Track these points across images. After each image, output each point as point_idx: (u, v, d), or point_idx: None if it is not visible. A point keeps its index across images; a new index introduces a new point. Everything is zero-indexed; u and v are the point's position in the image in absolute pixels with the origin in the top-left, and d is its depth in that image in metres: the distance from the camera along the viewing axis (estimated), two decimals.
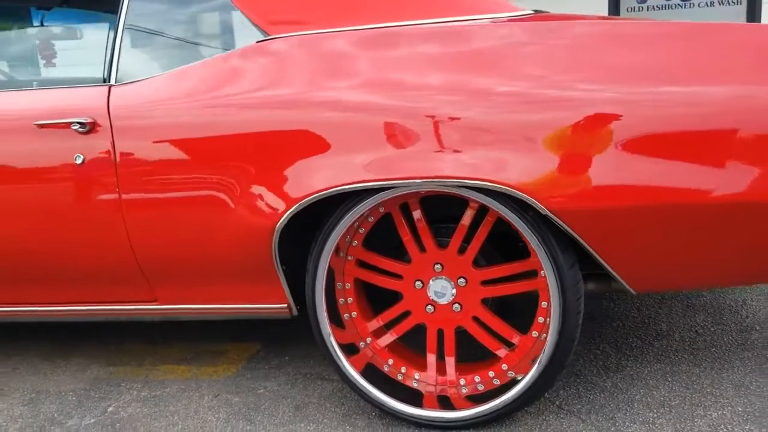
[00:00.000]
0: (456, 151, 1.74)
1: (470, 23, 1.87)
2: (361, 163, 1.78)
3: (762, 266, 1.76)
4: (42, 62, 2.35)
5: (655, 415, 1.93)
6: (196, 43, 2.16)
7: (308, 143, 1.84)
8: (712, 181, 1.63)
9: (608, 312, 2.65)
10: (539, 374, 1.85)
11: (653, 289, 1.92)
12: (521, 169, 1.71)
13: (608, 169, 1.67)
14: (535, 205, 1.71)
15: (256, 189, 1.90)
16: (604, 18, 2.28)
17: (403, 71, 1.81)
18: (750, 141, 1.62)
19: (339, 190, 1.80)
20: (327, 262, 1.93)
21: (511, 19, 1.91)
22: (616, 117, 1.66)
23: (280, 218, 1.87)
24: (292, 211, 1.85)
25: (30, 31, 2.42)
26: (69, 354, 2.70)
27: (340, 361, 2.02)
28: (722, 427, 1.86)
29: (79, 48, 2.23)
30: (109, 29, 2.13)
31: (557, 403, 2.05)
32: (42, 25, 2.33)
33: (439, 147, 1.75)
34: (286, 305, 2.06)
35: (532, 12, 2.10)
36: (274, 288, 2.02)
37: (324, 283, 1.96)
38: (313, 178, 1.83)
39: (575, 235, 1.73)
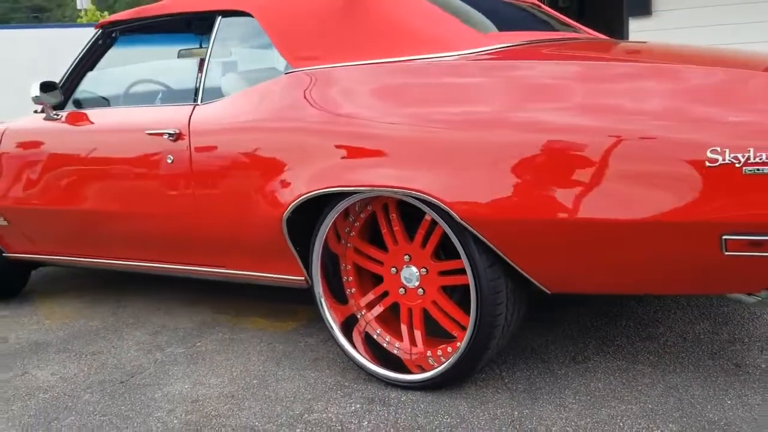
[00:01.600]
0: (392, 165, 2.19)
1: (425, 61, 2.29)
2: (324, 173, 2.31)
3: (639, 278, 1.98)
4: (163, 84, 3.17)
5: (573, 401, 2.22)
6: (251, 74, 2.81)
7: (301, 155, 2.41)
8: (589, 203, 1.91)
9: (625, 312, 2.86)
10: (463, 353, 2.24)
11: (564, 290, 2.19)
12: (442, 182, 2.11)
13: (510, 186, 2.01)
14: (451, 214, 2.10)
15: (271, 188, 2.51)
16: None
17: (365, 100, 2.30)
18: (622, 170, 1.87)
19: (314, 194, 2.35)
20: (321, 246, 2.49)
21: (463, 57, 2.28)
22: (517, 145, 2.00)
23: (284, 212, 2.46)
24: (291, 207, 2.43)
25: (146, 59, 3.28)
26: (198, 303, 3.54)
27: (325, 316, 2.55)
28: (620, 419, 2.10)
29: (189, 73, 2.98)
30: (202, 61, 2.86)
31: (506, 379, 2.41)
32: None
33: (378, 161, 2.21)
34: (302, 278, 2.65)
35: (503, 47, 2.40)
36: (292, 264, 2.62)
37: (320, 260, 2.51)
38: (301, 184, 2.40)
39: (484, 239, 2.10)
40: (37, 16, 51.16)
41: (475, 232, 2.10)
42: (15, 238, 3.56)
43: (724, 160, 1.73)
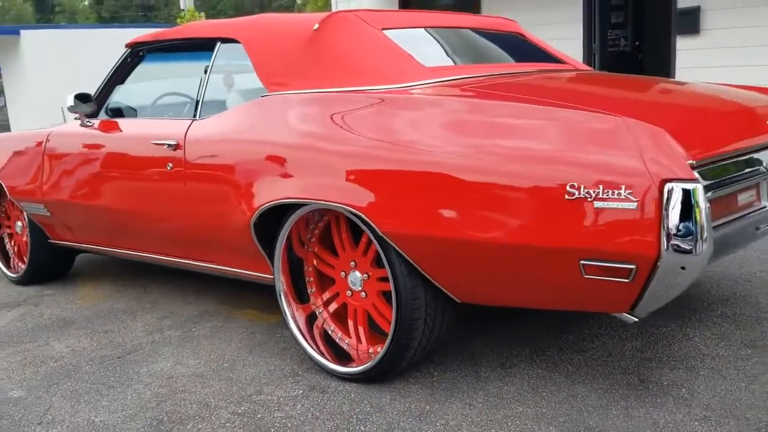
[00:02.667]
0: (332, 182, 2.51)
1: (359, 92, 2.59)
2: (280, 186, 2.65)
3: (521, 293, 2.23)
4: (175, 99, 3.59)
5: (481, 401, 2.47)
6: (240, 94, 3.19)
7: (266, 169, 2.76)
8: (471, 225, 2.17)
9: (572, 327, 3.06)
10: (386, 352, 2.54)
11: (469, 300, 2.44)
12: (368, 200, 2.42)
13: (417, 207, 2.30)
14: (373, 227, 2.41)
15: (242, 196, 2.87)
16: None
17: (312, 125, 2.63)
18: (498, 199, 2.13)
19: (273, 204, 2.70)
20: (281, 249, 2.84)
21: (392, 90, 2.58)
22: (418, 174, 2.28)
23: (251, 217, 2.82)
24: (256, 214, 2.78)
25: (164, 76, 3.71)
26: (208, 293, 3.95)
27: (283, 308, 2.89)
28: (511, 420, 2.34)
29: (194, 90, 3.37)
30: (201, 82, 3.26)
31: (434, 378, 2.68)
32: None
33: (321, 178, 2.54)
34: (272, 276, 3.00)
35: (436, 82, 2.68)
36: (263, 264, 2.98)
37: (281, 262, 2.86)
38: (264, 195, 2.75)
39: (400, 251, 2.39)
40: (146, 14, 54.03)
41: (393, 244, 2.39)
42: (56, 227, 4.09)
43: (579, 194, 1.96)
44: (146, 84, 3.72)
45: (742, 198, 2.16)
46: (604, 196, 1.93)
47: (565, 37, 8.07)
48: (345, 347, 2.84)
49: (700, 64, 7.27)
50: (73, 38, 20.29)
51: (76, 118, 3.84)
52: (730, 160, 2.13)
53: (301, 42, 2.89)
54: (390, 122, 2.44)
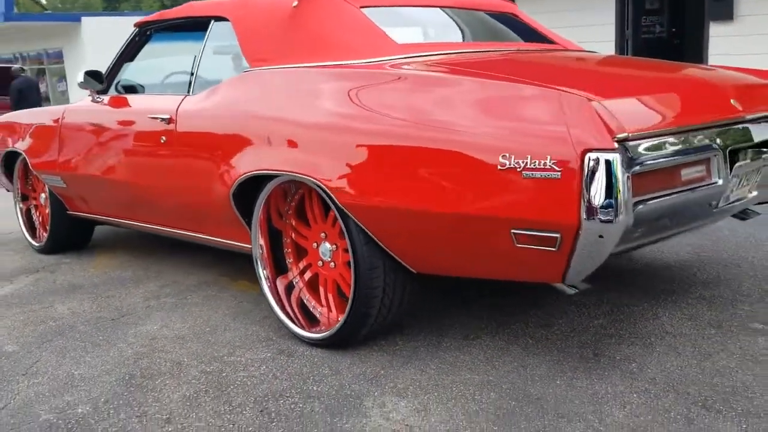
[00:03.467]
0: (297, 154, 2.61)
1: (332, 66, 2.68)
2: (253, 158, 2.76)
3: (463, 263, 2.29)
4: (174, 75, 3.73)
5: (434, 368, 2.54)
6: (228, 70, 3.30)
7: (244, 141, 2.88)
8: (414, 195, 2.24)
9: (546, 302, 3.10)
10: (346, 320, 2.63)
11: (425, 271, 2.51)
12: (329, 172, 2.51)
13: (371, 179, 2.38)
14: (333, 198, 2.50)
15: (224, 167, 2.99)
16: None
17: (286, 98, 2.73)
18: (438, 171, 2.19)
19: (248, 176, 2.81)
20: (257, 219, 2.95)
21: (362, 65, 2.65)
22: (372, 146, 2.36)
23: (231, 188, 2.94)
24: (235, 185, 2.90)
25: (167, 53, 3.86)
26: (213, 266, 4.08)
27: (259, 273, 3.01)
28: (457, 385, 2.41)
29: (189, 67, 3.50)
30: (195, 59, 3.39)
31: (398, 346, 2.76)
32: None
33: (287, 150, 2.64)
34: (250, 245, 3.12)
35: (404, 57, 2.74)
36: (245, 234, 3.10)
37: (259, 231, 2.97)
38: (242, 166, 2.87)
39: (356, 221, 2.47)
40: None
41: (350, 214, 2.48)
42: (73, 199, 4.30)
43: (510, 164, 2.01)
44: (152, 61, 3.88)
45: (687, 173, 2.16)
46: (532, 165, 1.97)
47: (598, 23, 7.99)
48: (318, 315, 2.94)
49: (733, 50, 7.11)
50: (131, 25, 20.90)
51: (88, 95, 4.04)
52: (673, 136, 2.14)
53: (282, 19, 2.99)
54: (348, 95, 2.52)
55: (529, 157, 1.98)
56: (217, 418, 2.30)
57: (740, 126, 2.42)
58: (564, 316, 2.96)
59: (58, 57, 22.85)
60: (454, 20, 3.30)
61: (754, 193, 2.63)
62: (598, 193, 1.87)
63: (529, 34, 3.49)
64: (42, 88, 24.49)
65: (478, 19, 3.43)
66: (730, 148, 2.33)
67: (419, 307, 3.12)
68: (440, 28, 3.24)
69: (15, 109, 13.07)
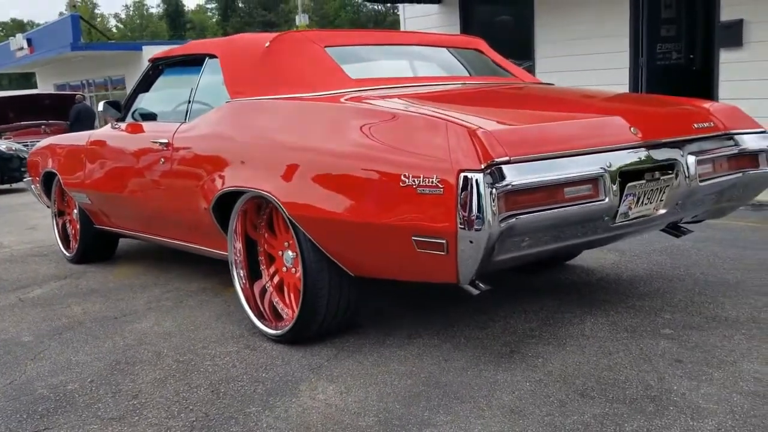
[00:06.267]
0: (254, 172, 3.04)
1: (292, 99, 3.11)
2: (226, 177, 3.21)
3: (383, 266, 2.66)
4: (178, 105, 4.23)
5: (370, 362, 2.91)
6: (215, 101, 3.77)
7: (222, 163, 3.33)
8: (336, 206, 2.65)
9: (505, 309, 3.43)
10: (298, 317, 3.03)
11: (359, 273, 2.89)
12: (281, 188, 2.94)
13: (309, 193, 2.80)
14: (283, 210, 2.92)
15: (206, 186, 3.45)
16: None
17: (252, 125, 3.18)
18: (355, 185, 2.60)
19: (222, 192, 3.26)
20: (233, 227, 3.38)
21: (315, 98, 3.08)
22: (306, 165, 2.78)
23: (210, 203, 3.39)
24: (213, 200, 3.35)
25: (173, 85, 4.37)
26: (216, 274, 4.56)
27: (233, 275, 3.43)
28: (376, 375, 2.77)
29: (188, 97, 4.00)
30: (191, 90, 3.88)
31: (349, 342, 3.13)
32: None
33: (246, 169, 3.08)
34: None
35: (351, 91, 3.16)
36: (225, 242, 3.55)
37: (234, 237, 3.40)
38: (219, 184, 3.32)
39: (302, 229, 2.88)
40: (268, 31, 56.76)
41: (297, 225, 2.89)
42: (97, 214, 4.84)
43: (408, 182, 2.39)
44: (161, 92, 4.40)
45: (571, 191, 2.49)
46: (424, 183, 2.35)
47: (612, 50, 8.25)
48: (284, 315, 3.35)
49: (743, 76, 7.28)
50: None
51: (108, 122, 4.58)
52: (555, 159, 2.47)
53: (258, 56, 3.44)
54: (297, 123, 2.96)
55: (422, 175, 2.36)
56: (175, 395, 2.72)
57: (636, 149, 2.74)
58: (502, 320, 3.29)
59: (121, 83, 24.16)
60: (415, 56, 3.70)
61: (662, 211, 2.92)
62: (467, 206, 2.23)
63: (488, 68, 3.85)
64: None
65: (441, 55, 3.82)
66: (622, 169, 2.65)
67: (376, 310, 3.50)
68: (399, 64, 3.65)
69: (71, 128, 14.08)
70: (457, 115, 2.53)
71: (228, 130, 3.37)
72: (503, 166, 2.30)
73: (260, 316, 3.32)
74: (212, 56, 3.79)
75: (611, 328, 3.09)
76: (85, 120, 13.69)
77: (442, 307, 3.53)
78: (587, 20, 8.47)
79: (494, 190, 2.24)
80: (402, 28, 10.91)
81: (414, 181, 2.38)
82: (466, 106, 2.92)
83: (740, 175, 3.21)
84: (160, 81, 4.40)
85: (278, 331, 3.18)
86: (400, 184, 2.43)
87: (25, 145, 13.58)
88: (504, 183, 2.28)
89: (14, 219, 8.15)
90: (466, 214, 2.24)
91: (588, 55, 8.45)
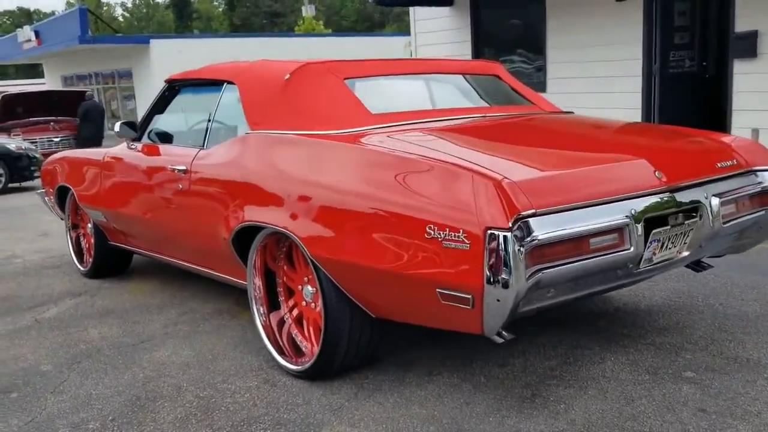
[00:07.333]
0: (279, 210, 3.04)
1: (312, 135, 3.10)
2: (247, 210, 3.21)
3: (409, 313, 2.66)
4: (195, 129, 4.22)
5: (392, 402, 2.91)
6: (233, 130, 3.76)
7: (242, 194, 3.32)
8: (362, 253, 2.64)
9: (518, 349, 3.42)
10: (319, 354, 3.03)
11: (380, 315, 2.88)
12: (303, 227, 2.93)
13: (332, 235, 2.79)
14: (305, 250, 2.91)
15: (226, 216, 3.44)
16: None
17: (273, 160, 3.17)
18: (381, 235, 2.59)
19: (243, 225, 3.25)
20: (252, 261, 3.38)
21: (335, 136, 3.07)
22: (335, 207, 2.77)
23: (230, 234, 3.39)
24: (233, 232, 3.35)
25: (190, 108, 4.36)
26: (230, 295, 4.57)
27: (252, 309, 3.43)
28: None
29: (206, 123, 3.99)
30: (210, 116, 3.87)
31: (368, 380, 3.13)
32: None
33: (271, 206, 3.07)
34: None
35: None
36: (244, 271, 3.54)
37: (255, 272, 3.40)
38: (240, 216, 3.31)
39: (323, 269, 2.88)
40: (273, 21, 56.61)
41: (318, 265, 2.88)
42: (113, 231, 4.85)
43: (434, 234, 2.38)
44: (178, 114, 4.39)
45: (596, 242, 2.47)
46: (449, 237, 2.34)
47: (626, 57, 8.19)
48: (303, 349, 3.35)
49: (757, 87, 7.22)
50: (195, 46, 21.99)
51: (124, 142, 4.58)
52: (581, 209, 2.46)
53: (277, 88, 3.43)
54: (318, 162, 2.94)
55: (447, 230, 2.35)
56: None
57: (661, 195, 2.72)
58: (521, 356, 3.28)
59: (128, 76, 24.13)
60: (431, 87, 3.68)
61: (686, 253, 2.90)
62: (495, 264, 2.22)
63: (507, 96, 3.83)
64: (114, 105, 25.89)
65: (459, 83, 3.80)
66: (647, 216, 2.63)
67: (395, 342, 3.49)
68: (418, 95, 3.62)
69: (80, 126, 14.08)
70: (481, 161, 2.52)
71: (248, 163, 3.36)
72: (530, 220, 2.29)
73: (281, 351, 3.32)
74: (231, 83, 3.77)
75: (632, 368, 3.08)
76: (93, 116, 13.70)
77: (458, 338, 3.53)
78: (599, 25, 8.42)
79: (522, 247, 2.23)
80: (412, 30, 10.85)
81: (440, 234, 2.37)
82: (488, 148, 2.90)
83: (763, 212, 3.20)
84: (177, 102, 4.39)
85: (299, 367, 3.18)
86: (425, 235, 2.42)
87: (33, 143, 13.62)
88: (531, 238, 2.27)
89: (25, 223, 8.17)
90: (494, 272, 2.23)
91: (601, 62, 8.39)
